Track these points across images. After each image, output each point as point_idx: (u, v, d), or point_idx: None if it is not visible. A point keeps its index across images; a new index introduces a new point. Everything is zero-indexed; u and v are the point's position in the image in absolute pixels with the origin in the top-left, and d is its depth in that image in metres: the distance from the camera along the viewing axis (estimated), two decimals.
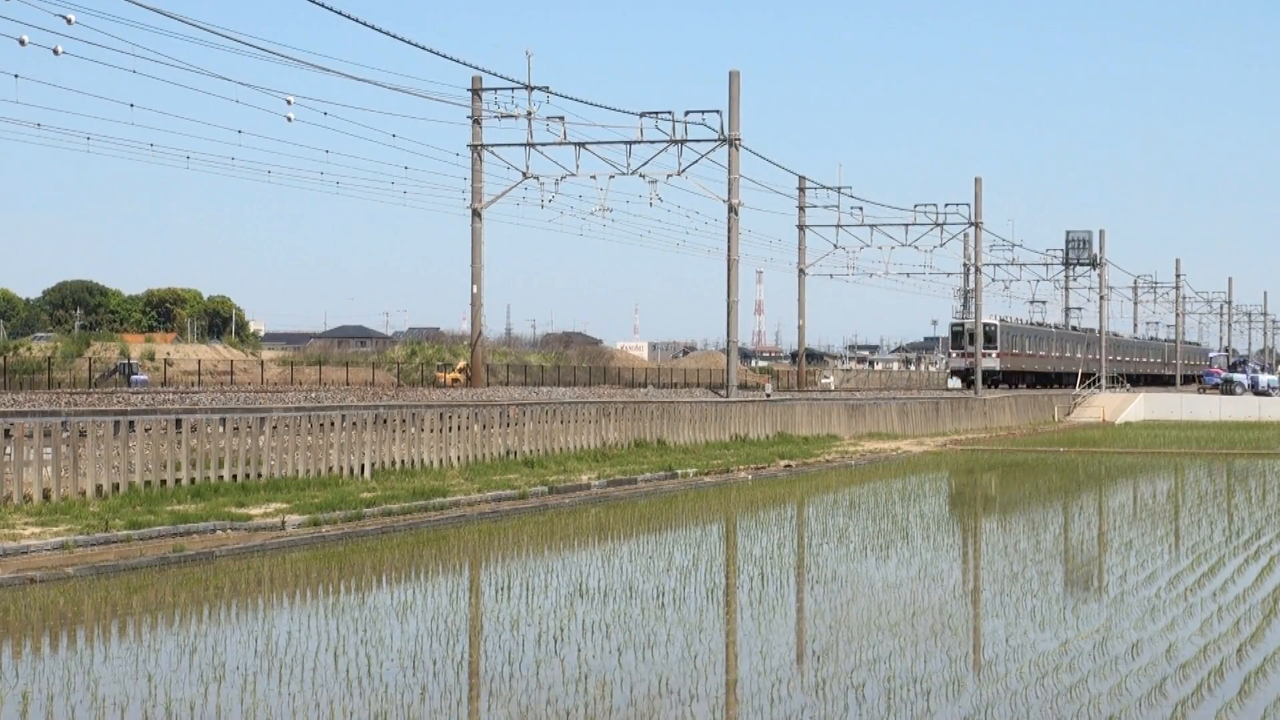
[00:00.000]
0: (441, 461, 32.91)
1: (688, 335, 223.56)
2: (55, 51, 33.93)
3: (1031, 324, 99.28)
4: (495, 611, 17.52)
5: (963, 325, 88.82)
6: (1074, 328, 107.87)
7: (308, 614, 17.18)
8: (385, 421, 31.48)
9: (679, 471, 36.76)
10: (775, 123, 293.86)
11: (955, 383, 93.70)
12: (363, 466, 30.39)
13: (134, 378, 77.81)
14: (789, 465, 42.02)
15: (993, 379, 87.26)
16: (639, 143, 50.97)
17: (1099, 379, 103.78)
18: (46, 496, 23.91)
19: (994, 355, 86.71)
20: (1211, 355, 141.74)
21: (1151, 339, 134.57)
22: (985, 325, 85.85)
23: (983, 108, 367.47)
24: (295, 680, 13.50)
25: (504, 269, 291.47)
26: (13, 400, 33.15)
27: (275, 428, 28.47)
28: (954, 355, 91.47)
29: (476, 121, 50.85)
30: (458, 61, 50.55)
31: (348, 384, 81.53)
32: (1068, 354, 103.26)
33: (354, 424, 30.37)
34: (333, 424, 29.85)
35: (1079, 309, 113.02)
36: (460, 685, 13.53)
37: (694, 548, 24.05)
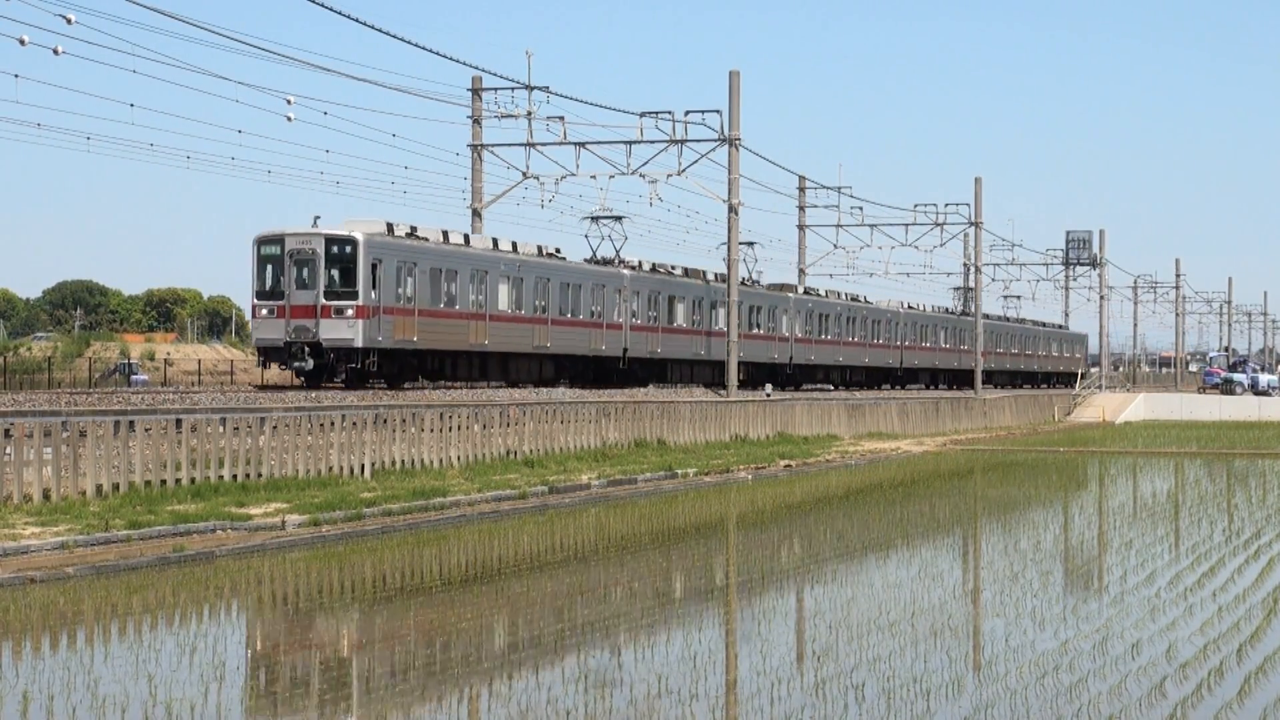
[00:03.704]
0: (441, 461, 32.90)
1: None
2: (55, 51, 33.91)
3: (543, 255, 49.10)
4: (495, 611, 17.51)
5: (280, 242, 40.30)
6: (682, 270, 57.71)
7: None
8: (385, 421, 31.47)
9: (679, 471, 36.75)
10: (775, 123, 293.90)
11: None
12: (363, 466, 30.37)
13: (134, 377, 77.80)
14: (789, 465, 42.02)
15: (359, 366, 40.37)
16: (639, 143, 50.93)
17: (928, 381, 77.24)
18: (46, 496, 23.90)
19: (350, 312, 39.68)
20: (1212, 355, 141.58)
21: (962, 314, 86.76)
22: (331, 239, 40.01)
23: (983, 108, 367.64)
24: None
25: None
26: (13, 400, 33.07)
27: (275, 428, 28.47)
28: (263, 312, 40.54)
29: (476, 121, 50.84)
30: (458, 61, 50.77)
31: None
32: (627, 319, 52.68)
33: (354, 424, 30.37)
34: (333, 424, 29.85)
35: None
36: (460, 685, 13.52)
37: (693, 546, 24.05)
